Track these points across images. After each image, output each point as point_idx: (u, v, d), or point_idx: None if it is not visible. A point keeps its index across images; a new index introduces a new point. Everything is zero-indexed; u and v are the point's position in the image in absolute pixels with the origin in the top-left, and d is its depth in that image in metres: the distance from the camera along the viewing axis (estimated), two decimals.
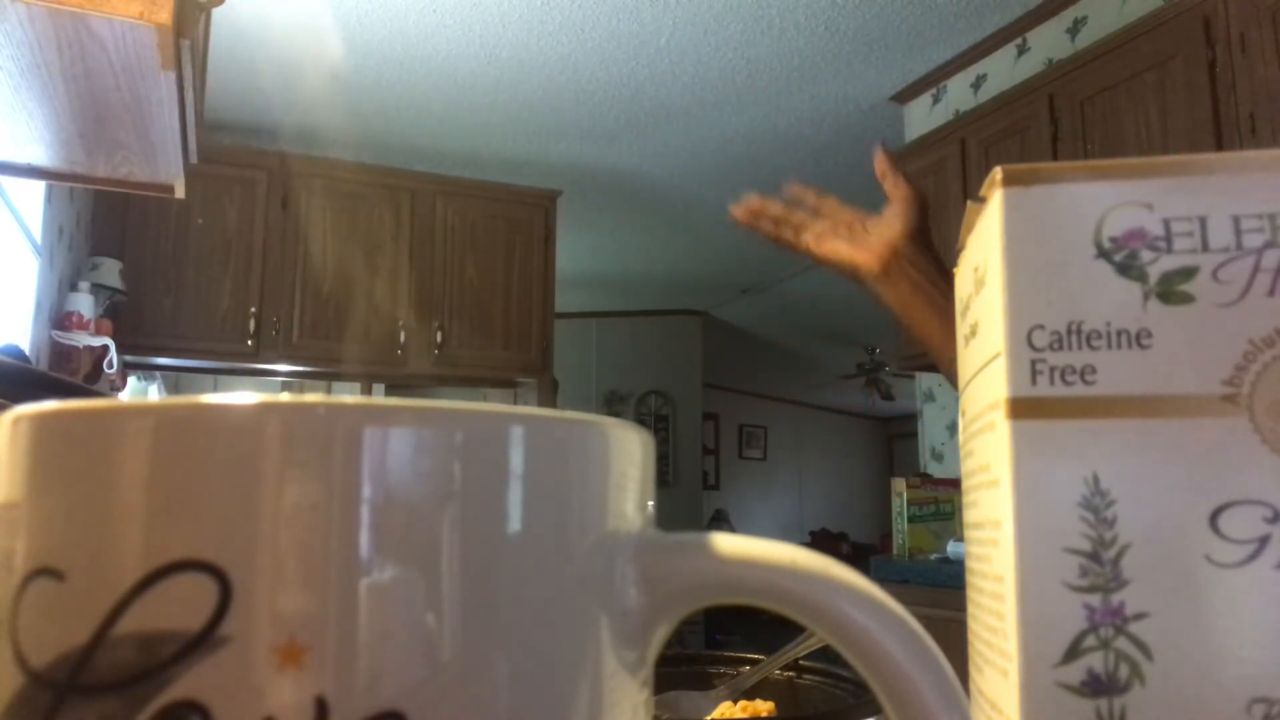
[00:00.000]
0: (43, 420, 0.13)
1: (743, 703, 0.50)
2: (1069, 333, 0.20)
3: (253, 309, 3.13)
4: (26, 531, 0.13)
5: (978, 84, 2.90)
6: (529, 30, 2.75)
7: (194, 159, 1.19)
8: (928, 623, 0.16)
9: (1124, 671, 0.19)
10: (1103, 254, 0.20)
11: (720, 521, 6.87)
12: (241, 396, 0.13)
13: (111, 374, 2.54)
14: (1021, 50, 2.75)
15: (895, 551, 2.54)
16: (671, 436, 5.95)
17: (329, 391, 3.52)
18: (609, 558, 0.15)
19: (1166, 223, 0.19)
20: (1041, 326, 0.20)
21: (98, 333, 2.52)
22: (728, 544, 0.16)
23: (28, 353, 2.04)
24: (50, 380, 0.63)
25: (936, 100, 3.07)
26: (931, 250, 0.71)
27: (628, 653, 0.15)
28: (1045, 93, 2.39)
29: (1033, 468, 0.19)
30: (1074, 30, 2.56)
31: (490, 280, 3.54)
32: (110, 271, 2.75)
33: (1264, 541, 0.18)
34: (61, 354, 2.42)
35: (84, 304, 2.51)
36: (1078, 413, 0.19)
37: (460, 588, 0.13)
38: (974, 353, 0.23)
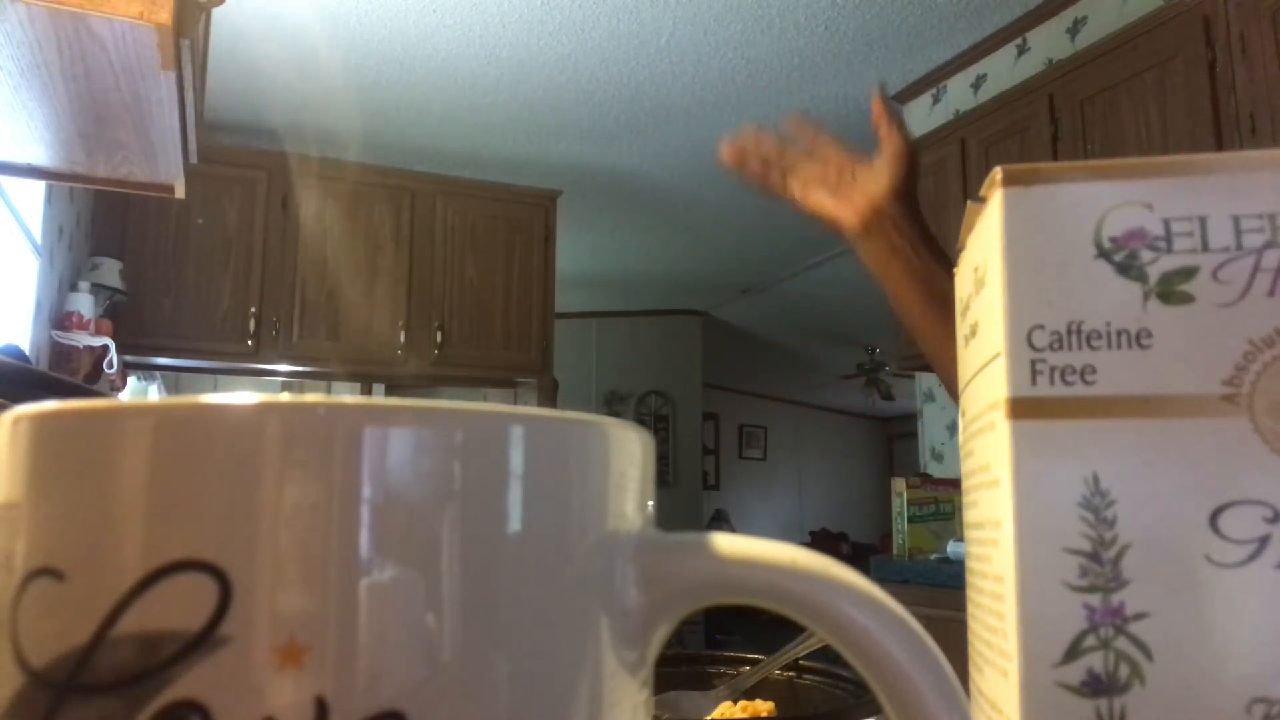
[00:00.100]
0: (43, 420, 0.13)
1: (743, 703, 0.50)
2: (1069, 333, 0.20)
3: (253, 309, 3.13)
4: (26, 531, 0.13)
5: (978, 84, 2.90)
6: (529, 30, 2.75)
7: (194, 159, 1.19)
8: (928, 623, 0.16)
9: (1124, 671, 0.19)
10: (1103, 254, 0.20)
11: (720, 521, 6.87)
12: (241, 396, 0.13)
13: (111, 374, 2.54)
14: (1021, 50, 2.75)
15: (895, 551, 2.54)
16: (671, 436, 5.95)
17: (329, 391, 3.52)
18: (609, 558, 0.15)
19: (1166, 223, 0.19)
20: (1041, 326, 0.20)
21: (98, 333, 2.52)
22: (728, 544, 0.16)
23: (28, 353, 2.04)
24: (50, 380, 0.63)
25: (936, 100, 3.07)
26: (915, 211, 0.69)
27: (628, 653, 0.15)
28: (1045, 93, 2.39)
29: (1033, 468, 0.19)
30: (1074, 30, 2.56)
31: (490, 280, 3.54)
32: (110, 271, 2.75)
33: (1264, 541, 0.18)
34: (61, 354, 2.42)
35: (84, 304, 2.51)
36: (1078, 413, 0.19)
37: (460, 588, 0.13)
38: (974, 353, 0.23)
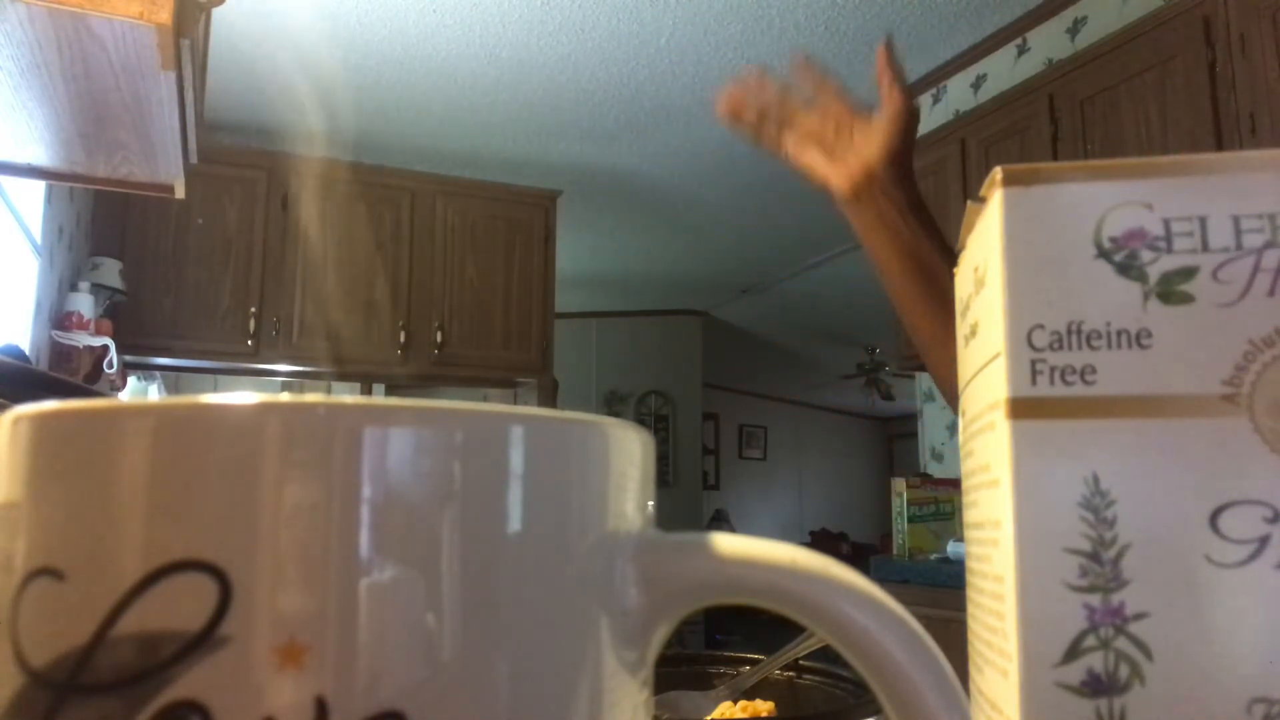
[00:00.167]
0: (43, 420, 0.13)
1: (743, 703, 0.50)
2: (1069, 333, 0.20)
3: (253, 309, 3.13)
4: (26, 531, 0.13)
5: (978, 84, 2.90)
6: (529, 30, 2.75)
7: (194, 159, 1.19)
8: (928, 623, 0.16)
9: (1124, 671, 0.19)
10: (1103, 254, 0.20)
11: (720, 521, 6.87)
12: (241, 396, 0.13)
13: (111, 374, 2.54)
14: (1021, 50, 2.75)
15: (895, 551, 2.54)
16: (671, 436, 5.95)
17: (329, 391, 3.52)
18: (609, 558, 0.15)
19: (1166, 223, 0.19)
20: (1041, 326, 0.20)
21: (98, 333, 2.52)
22: (728, 544, 0.16)
23: (28, 353, 2.04)
24: (50, 380, 0.63)
25: (936, 100, 3.07)
26: (908, 179, 0.66)
27: (628, 653, 0.15)
28: (1045, 93, 2.39)
29: (1033, 468, 0.19)
30: (1074, 30, 2.56)
31: (490, 280, 3.54)
32: (110, 271, 2.75)
33: (1264, 541, 0.18)
34: (61, 354, 2.42)
35: (84, 304, 2.51)
36: (1078, 413, 0.19)
37: (460, 588, 0.13)
38: (974, 353, 0.23)
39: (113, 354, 2.52)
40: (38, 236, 2.23)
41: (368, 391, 3.50)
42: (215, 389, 3.43)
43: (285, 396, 0.13)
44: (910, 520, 2.50)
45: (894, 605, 0.15)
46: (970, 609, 0.23)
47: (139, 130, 1.04)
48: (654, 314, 6.03)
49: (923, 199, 0.67)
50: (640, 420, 5.00)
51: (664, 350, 6.04)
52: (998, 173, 0.21)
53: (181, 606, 0.12)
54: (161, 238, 3.03)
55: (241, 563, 0.12)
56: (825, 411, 8.80)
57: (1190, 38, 2.01)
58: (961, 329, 0.25)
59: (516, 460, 0.14)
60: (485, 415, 0.14)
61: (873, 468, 8.98)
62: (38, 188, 2.20)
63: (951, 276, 0.61)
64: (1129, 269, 0.20)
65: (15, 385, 0.52)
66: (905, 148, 0.66)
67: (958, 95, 2.98)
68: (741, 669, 0.53)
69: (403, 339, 3.36)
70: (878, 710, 0.23)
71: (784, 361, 7.29)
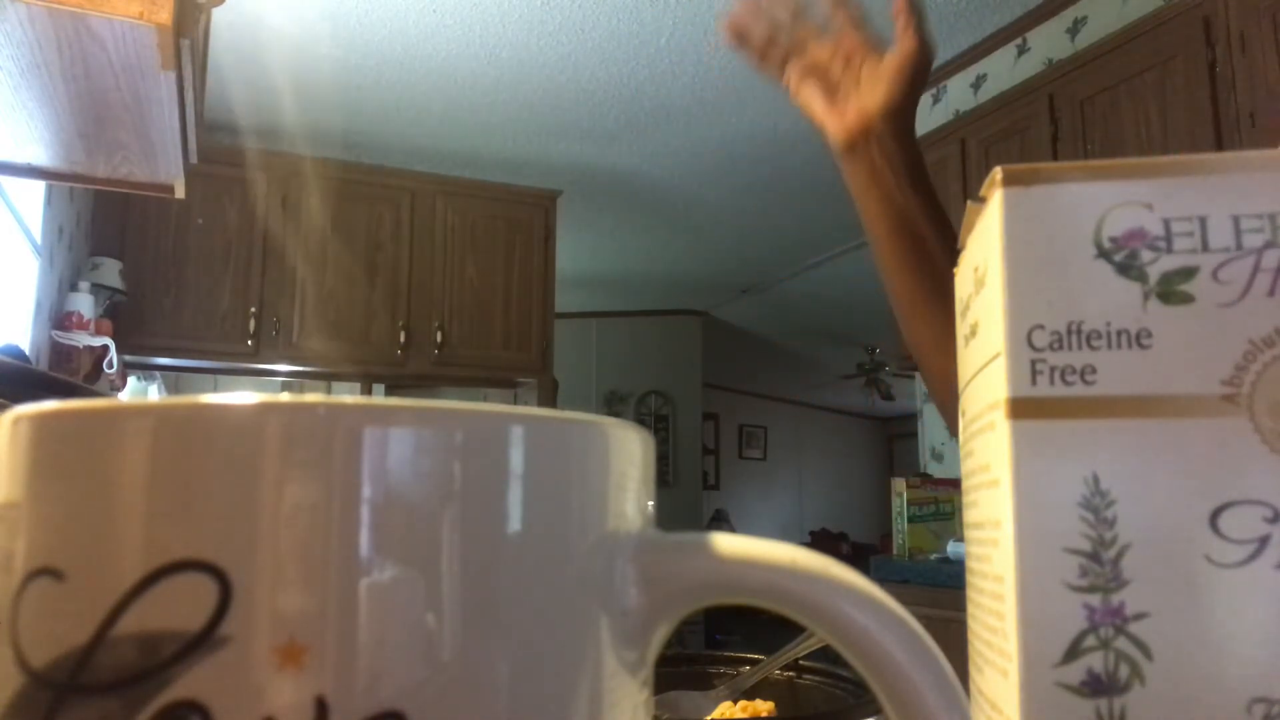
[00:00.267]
0: (43, 420, 0.13)
1: (743, 703, 0.50)
2: (1069, 333, 0.20)
3: (253, 309, 3.13)
4: (26, 531, 0.13)
5: (978, 84, 2.90)
6: (529, 30, 2.75)
7: (194, 159, 1.19)
8: (928, 623, 0.16)
9: (1124, 671, 0.19)
10: (1103, 254, 0.20)
11: (720, 521, 6.87)
12: (241, 396, 0.13)
13: (111, 374, 2.54)
14: (1021, 50, 2.75)
15: (895, 551, 2.54)
16: (671, 436, 5.95)
17: (329, 391, 3.52)
18: (609, 558, 0.15)
19: (1166, 223, 0.19)
20: (1041, 326, 0.20)
21: (98, 333, 2.52)
22: (728, 544, 0.16)
23: (28, 353, 2.04)
24: (50, 380, 0.63)
25: (936, 100, 3.07)
26: (908, 137, 0.62)
27: (628, 653, 0.15)
28: (1045, 93, 2.39)
29: (1033, 468, 0.19)
30: (1074, 30, 2.56)
31: (490, 280, 3.54)
32: (110, 271, 2.75)
33: (1264, 541, 0.18)
34: (61, 354, 2.42)
35: (84, 304, 2.51)
36: (1078, 413, 0.19)
37: (460, 588, 0.13)
38: (974, 353, 0.23)
39: (113, 354, 2.52)
40: (38, 236, 2.23)
41: (368, 391, 3.50)
42: (215, 389, 3.43)
43: (285, 396, 0.13)
44: (910, 520, 2.50)
45: (894, 605, 0.15)
46: (970, 609, 0.23)
47: (139, 130, 1.04)
48: (654, 314, 6.03)
49: (922, 161, 0.63)
50: (640, 420, 5.00)
51: (664, 350, 6.04)
52: (998, 173, 0.21)
53: (181, 606, 0.12)
54: (161, 238, 3.03)
55: (241, 563, 0.12)
56: (825, 411, 8.80)
57: (1190, 38, 2.01)
58: (961, 329, 0.25)
59: (516, 460, 0.14)
60: (485, 415, 0.14)
61: (873, 468, 8.98)
62: (38, 188, 2.20)
63: (942, 247, 0.59)
64: (1129, 269, 0.20)
65: (15, 385, 0.52)
66: (909, 101, 0.61)
67: (958, 95, 2.98)
68: (741, 669, 0.53)
69: (403, 339, 3.36)
70: (878, 710, 0.23)
71: (784, 361, 7.29)
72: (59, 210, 2.46)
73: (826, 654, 0.38)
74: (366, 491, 0.13)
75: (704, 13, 2.67)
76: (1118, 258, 0.20)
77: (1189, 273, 0.19)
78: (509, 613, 0.14)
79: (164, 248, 3.04)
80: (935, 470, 3.06)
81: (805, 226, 4.36)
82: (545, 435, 0.15)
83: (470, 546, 0.13)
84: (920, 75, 0.61)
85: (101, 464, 0.13)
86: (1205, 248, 0.19)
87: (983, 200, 0.22)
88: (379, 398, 0.14)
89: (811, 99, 0.64)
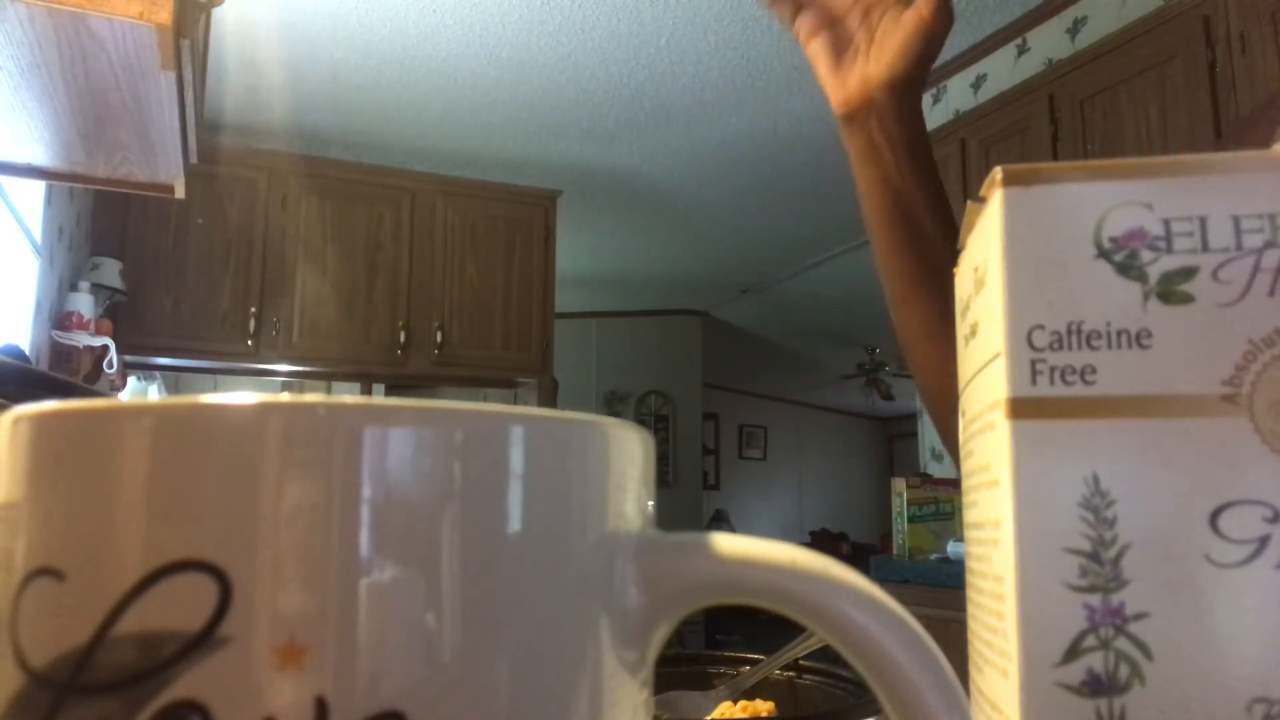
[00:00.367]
0: (43, 420, 0.13)
1: (743, 703, 0.50)
2: (1069, 333, 0.20)
3: (253, 309, 3.13)
4: (26, 531, 0.13)
5: (978, 84, 2.90)
6: (529, 30, 2.75)
7: (194, 159, 1.19)
8: (928, 623, 0.16)
9: (1124, 671, 0.19)
10: (1103, 254, 0.20)
11: (720, 521, 6.87)
12: (241, 396, 0.13)
13: (111, 374, 2.54)
14: (1021, 50, 2.75)
15: (895, 551, 2.54)
16: (671, 436, 5.95)
17: (329, 391, 3.52)
18: (609, 558, 0.15)
19: (1166, 223, 0.19)
20: (1041, 326, 0.20)
21: (98, 333, 2.52)
22: (728, 544, 0.16)
23: (28, 353, 2.04)
24: (50, 380, 0.63)
25: (936, 100, 3.07)
26: (910, 112, 0.57)
27: (628, 653, 0.15)
28: (1045, 93, 2.39)
29: (1033, 468, 0.19)
30: (1074, 30, 2.56)
31: (490, 280, 3.54)
32: (110, 271, 2.75)
33: (1264, 541, 0.18)
34: (61, 354, 2.42)
35: (84, 304, 2.51)
36: (1078, 413, 0.19)
37: (460, 588, 0.13)
38: (974, 353, 0.23)
39: (113, 354, 2.52)
40: (38, 236, 2.23)
41: (368, 391, 3.50)
42: (215, 389, 3.43)
43: (285, 396, 0.13)
44: (910, 520, 2.50)
45: (894, 605, 0.15)
46: (970, 609, 0.23)
47: (139, 130, 1.04)
48: (654, 314, 6.03)
49: (926, 142, 0.59)
50: (640, 420, 5.00)
51: (664, 350, 6.04)
52: (998, 173, 0.21)
53: (181, 606, 0.12)
54: (161, 238, 3.03)
55: (241, 563, 0.12)
56: (825, 411, 8.80)
57: (1190, 38, 2.01)
58: (961, 329, 0.25)
59: (516, 460, 0.14)
60: (485, 415, 0.14)
61: (873, 468, 8.98)
62: (38, 188, 2.20)
63: (940, 235, 0.58)
64: (1129, 269, 0.20)
65: (15, 385, 0.52)
66: (915, 74, 0.56)
67: (958, 95, 2.98)
68: (741, 669, 0.53)
69: (403, 339, 3.36)
70: (878, 710, 0.23)
71: (784, 361, 7.30)
72: (59, 210, 2.46)
73: (826, 654, 0.38)
74: (366, 491, 0.13)
75: (704, 13, 2.66)
76: (1118, 258, 0.20)
77: (1189, 273, 0.19)
78: (509, 613, 0.14)
79: (164, 248, 3.04)
80: (935, 470, 3.06)
81: (805, 226, 4.36)
82: (545, 435, 0.15)
83: (470, 546, 0.13)
84: (932, 46, 0.56)
85: (101, 464, 0.13)
86: (1205, 248, 0.19)
87: (983, 200, 0.22)
88: (379, 398, 0.14)
89: (818, 56, 0.59)
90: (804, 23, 0.59)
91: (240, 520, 0.12)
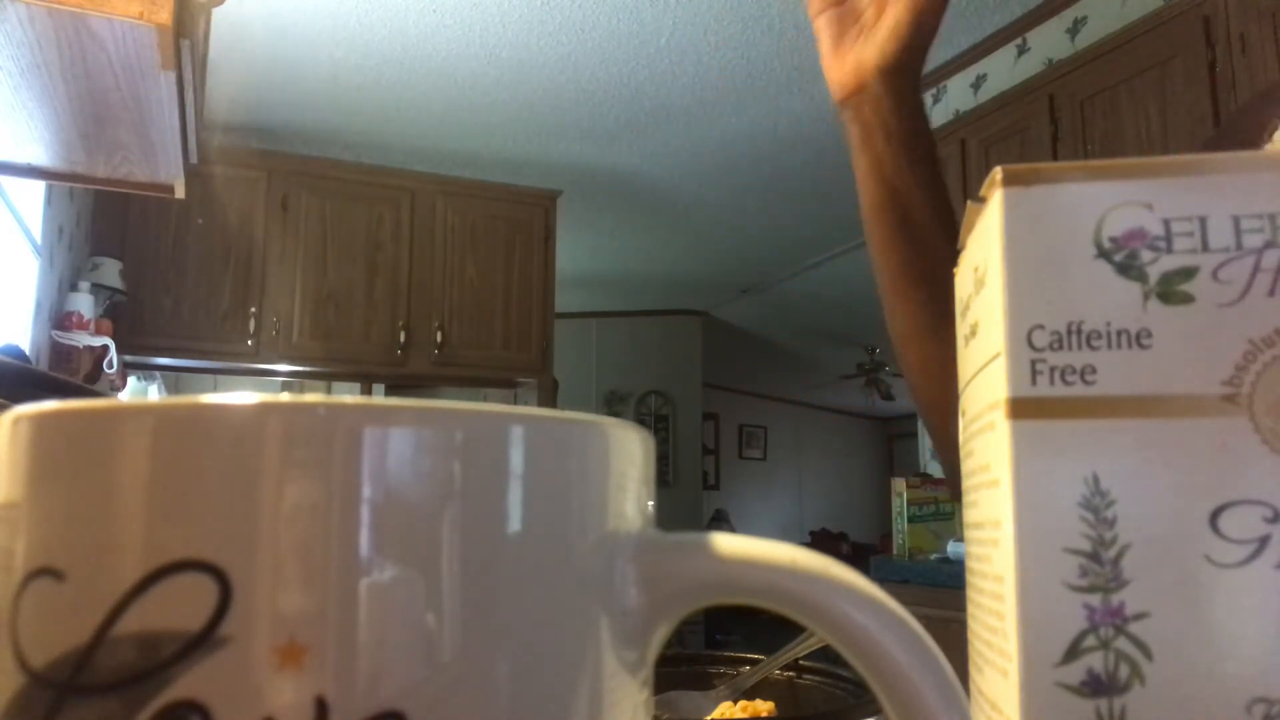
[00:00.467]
0: (43, 420, 0.13)
1: (743, 703, 0.50)
2: (1069, 333, 0.20)
3: (253, 309, 3.13)
4: (26, 531, 0.13)
5: (978, 84, 2.90)
6: (529, 30, 2.75)
7: (194, 159, 1.19)
8: (928, 623, 0.16)
9: (1124, 671, 0.19)
10: (1103, 254, 0.20)
11: (720, 521, 6.87)
12: (241, 396, 0.13)
13: (111, 374, 2.54)
14: (1021, 50, 2.75)
15: (895, 551, 2.54)
16: (671, 436, 5.95)
17: (329, 391, 3.52)
18: (609, 558, 0.15)
19: (1166, 223, 0.19)
20: (1041, 326, 0.20)
21: (98, 333, 2.52)
22: (728, 544, 0.16)
23: (28, 353, 2.04)
24: (50, 380, 0.63)
25: (936, 100, 3.07)
26: (906, 100, 0.53)
27: (628, 653, 0.15)
28: (1045, 93, 2.39)
29: (1033, 468, 0.19)
30: (1074, 30, 2.56)
31: (490, 280, 3.54)
32: (110, 271, 2.75)
33: (1264, 541, 0.18)
34: (61, 354, 2.42)
35: (84, 304, 2.51)
36: (1078, 413, 0.19)
37: (460, 588, 0.13)
38: (974, 353, 0.23)
39: (113, 354, 2.52)
40: (38, 236, 2.23)
41: (368, 391, 3.50)
42: (215, 389, 3.43)
43: (285, 396, 0.13)
44: (910, 520, 2.50)
45: (894, 605, 0.15)
46: (970, 609, 0.23)
47: (139, 130, 1.04)
48: (654, 314, 6.03)
49: (925, 132, 0.56)
50: (640, 420, 5.00)
51: (664, 350, 6.04)
52: (998, 173, 0.21)
53: (181, 606, 0.12)
54: (161, 238, 3.03)
55: (241, 563, 0.12)
56: (825, 411, 8.80)
57: (1190, 38, 2.01)
58: (961, 329, 0.25)
59: (516, 460, 0.14)
60: (485, 415, 0.14)
61: (873, 468, 8.98)
62: (38, 188, 2.20)
63: (937, 230, 0.56)
64: (1129, 269, 0.20)
65: (15, 385, 0.52)
66: (906, 59, 0.53)
67: (957, 95, 2.98)
68: (741, 669, 0.53)
69: (403, 339, 3.36)
70: (878, 710, 0.23)
71: (784, 361, 7.29)
72: (59, 210, 2.46)
73: (826, 654, 0.38)
74: (366, 491, 0.13)
75: (704, 13, 2.66)
76: (1118, 258, 0.20)
77: (1189, 273, 0.19)
78: (509, 613, 0.14)
79: (164, 248, 3.04)
80: (935, 470, 3.06)
81: (805, 226, 4.36)
82: (545, 435, 0.15)
83: (470, 546, 0.13)
84: (924, 29, 0.53)
85: (101, 464, 0.13)
86: (1205, 248, 0.19)
87: (983, 200, 0.22)
88: (379, 398, 0.14)
89: (822, 33, 0.56)
90: None
91: (240, 520, 0.12)
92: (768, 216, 4.25)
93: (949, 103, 3.01)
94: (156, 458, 0.13)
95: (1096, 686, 0.19)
